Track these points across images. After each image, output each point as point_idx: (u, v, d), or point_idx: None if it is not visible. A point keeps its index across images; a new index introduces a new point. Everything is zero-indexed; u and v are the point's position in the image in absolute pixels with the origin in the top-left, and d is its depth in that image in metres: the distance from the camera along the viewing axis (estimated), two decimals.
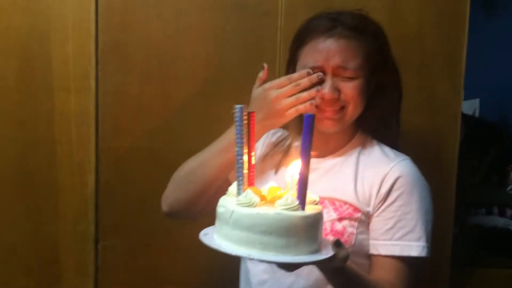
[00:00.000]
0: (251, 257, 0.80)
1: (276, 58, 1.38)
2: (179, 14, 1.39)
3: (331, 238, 1.02)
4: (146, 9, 1.39)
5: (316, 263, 0.85)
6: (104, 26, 1.39)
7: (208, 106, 1.42)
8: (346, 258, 0.86)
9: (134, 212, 1.45)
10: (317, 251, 0.84)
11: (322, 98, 1.05)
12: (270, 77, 1.37)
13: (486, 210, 1.68)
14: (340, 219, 1.05)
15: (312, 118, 0.83)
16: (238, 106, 0.87)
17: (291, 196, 0.84)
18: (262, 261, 0.81)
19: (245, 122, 0.88)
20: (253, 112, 0.89)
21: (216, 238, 0.85)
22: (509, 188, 2.18)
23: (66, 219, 1.44)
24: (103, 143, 1.43)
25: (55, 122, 1.42)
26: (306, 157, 0.84)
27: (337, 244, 0.86)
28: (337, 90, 1.05)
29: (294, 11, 1.36)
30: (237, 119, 0.87)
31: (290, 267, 0.85)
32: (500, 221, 1.64)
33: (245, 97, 1.40)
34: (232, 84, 1.41)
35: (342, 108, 1.07)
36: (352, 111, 1.08)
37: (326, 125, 1.07)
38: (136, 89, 1.42)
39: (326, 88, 1.05)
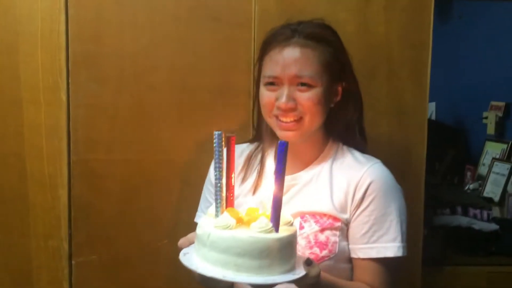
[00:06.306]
0: (226, 278, 0.83)
1: (250, 68, 1.40)
2: (153, 24, 1.38)
3: (316, 250, 1.06)
4: (119, 19, 1.37)
5: (288, 283, 0.88)
6: (75, 37, 1.36)
7: (183, 116, 1.41)
8: (318, 275, 0.90)
9: (109, 226, 1.42)
10: (290, 270, 0.88)
11: (279, 108, 1.07)
12: (245, 87, 1.40)
13: (450, 210, 1.75)
14: (322, 230, 1.08)
15: (286, 145, 0.86)
16: (216, 132, 0.91)
17: (265, 218, 0.86)
18: (235, 282, 0.85)
19: (224, 147, 0.91)
20: (232, 136, 0.92)
21: (194, 258, 0.89)
22: (466, 187, 2.29)
23: (38, 235, 1.39)
24: (76, 156, 1.39)
25: (24, 136, 1.37)
26: (280, 181, 0.87)
27: (308, 263, 0.89)
28: (293, 99, 1.06)
29: (267, 22, 1.37)
30: (215, 145, 0.90)
31: (263, 287, 0.87)
32: (464, 220, 1.70)
33: (219, 108, 1.42)
34: (207, 95, 1.41)
35: (300, 119, 1.08)
36: (310, 122, 1.08)
37: (286, 135, 1.08)
38: (110, 100, 1.39)
39: (283, 98, 1.05)
